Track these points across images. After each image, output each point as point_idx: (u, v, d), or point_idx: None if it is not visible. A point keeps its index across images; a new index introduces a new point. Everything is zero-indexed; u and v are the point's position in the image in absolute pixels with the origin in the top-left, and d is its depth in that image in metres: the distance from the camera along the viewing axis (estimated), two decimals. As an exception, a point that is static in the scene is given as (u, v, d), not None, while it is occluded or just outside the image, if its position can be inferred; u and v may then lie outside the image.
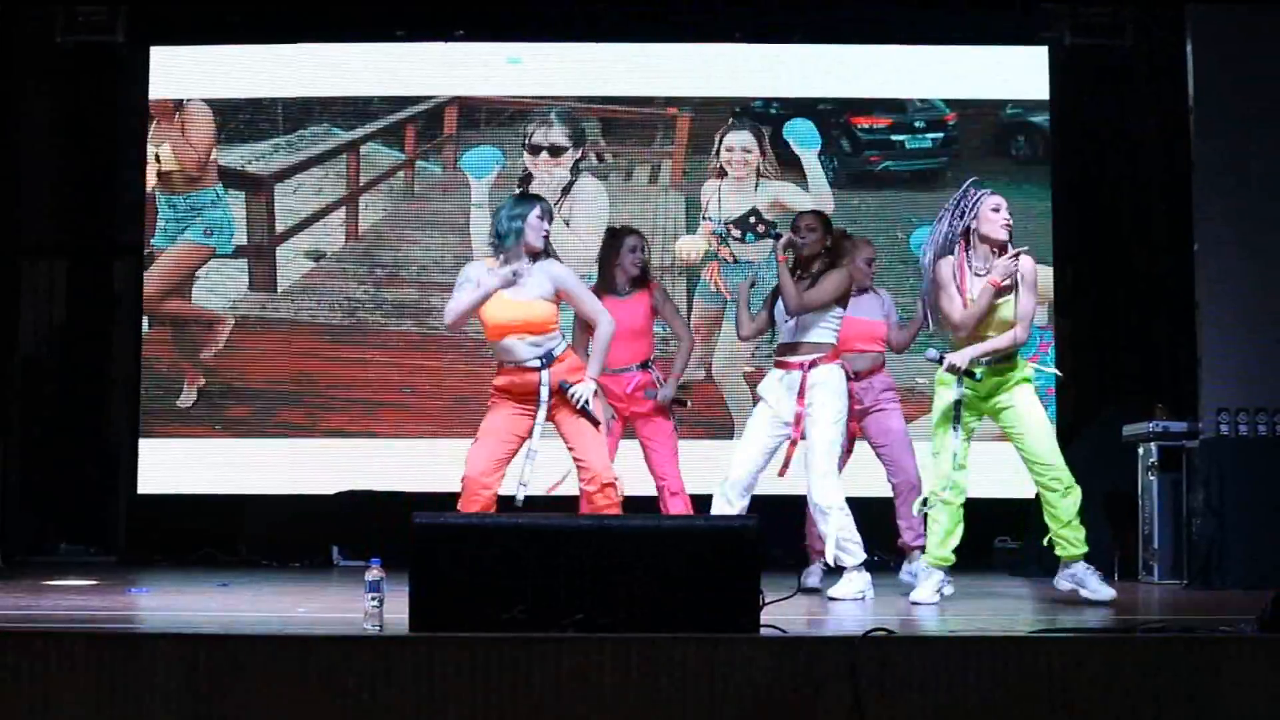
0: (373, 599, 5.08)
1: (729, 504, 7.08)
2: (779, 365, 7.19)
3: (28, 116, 10.30)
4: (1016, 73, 10.85)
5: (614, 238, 7.73)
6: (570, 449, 6.57)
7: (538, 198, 6.84)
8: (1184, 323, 8.92)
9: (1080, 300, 10.62)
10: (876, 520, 7.94)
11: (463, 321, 6.61)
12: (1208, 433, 8.47)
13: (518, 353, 6.46)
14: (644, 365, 7.66)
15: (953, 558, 7.01)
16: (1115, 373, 10.15)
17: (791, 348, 7.13)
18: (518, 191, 7.87)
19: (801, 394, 7.05)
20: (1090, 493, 9.15)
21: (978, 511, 9.74)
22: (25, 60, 10.30)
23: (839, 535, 7.02)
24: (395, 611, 4.93)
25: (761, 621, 4.76)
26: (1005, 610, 6.71)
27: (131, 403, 10.71)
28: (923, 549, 7.12)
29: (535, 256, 6.51)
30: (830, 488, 7.02)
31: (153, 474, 10.59)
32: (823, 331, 7.11)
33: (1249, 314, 8.59)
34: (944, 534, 6.96)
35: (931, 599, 6.84)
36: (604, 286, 7.56)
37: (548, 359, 6.46)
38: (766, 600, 4.83)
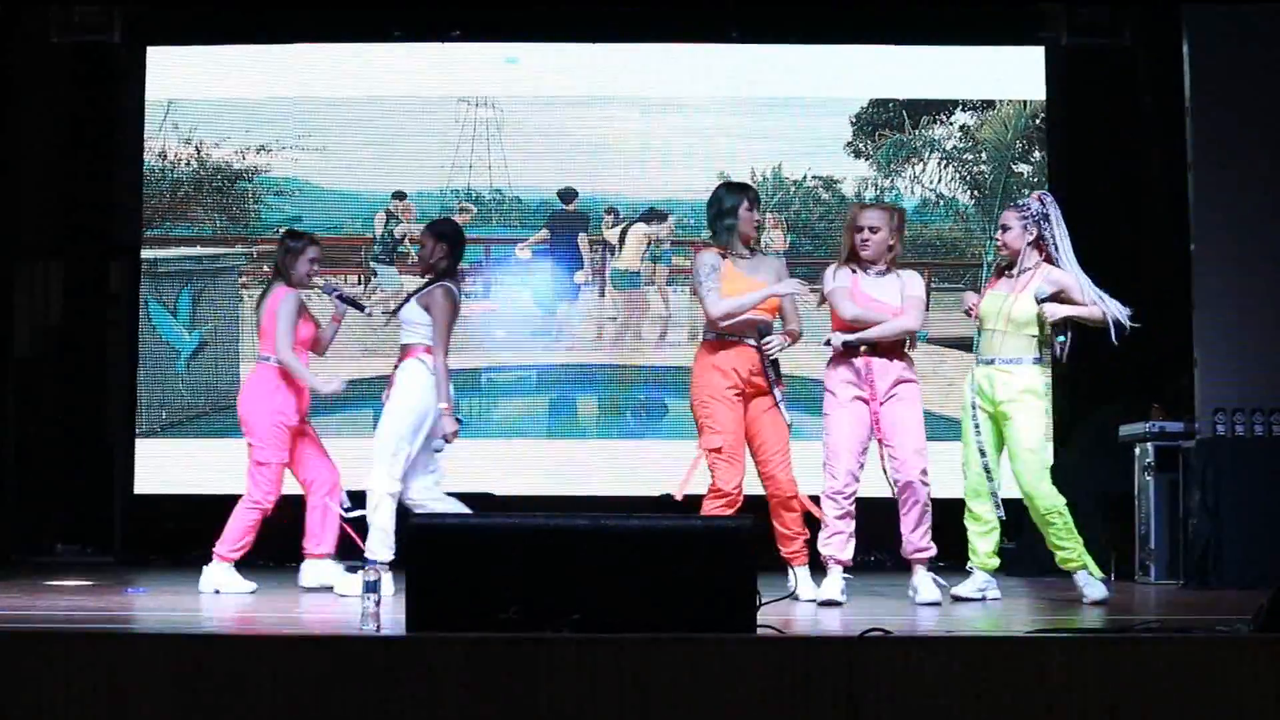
0: (370, 599, 5.08)
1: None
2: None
3: (23, 116, 10.29)
4: (1013, 73, 10.85)
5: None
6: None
7: (744, 187, 7.34)
8: (1181, 323, 8.92)
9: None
10: (875, 520, 7.87)
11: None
12: (1204, 433, 8.48)
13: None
14: None
15: (992, 562, 7.18)
16: (1111, 373, 10.13)
17: None
18: (726, 181, 7.85)
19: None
20: (1086, 493, 9.20)
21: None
22: (21, 60, 10.29)
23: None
24: (392, 612, 4.93)
25: (758, 622, 4.76)
26: (1001, 611, 6.71)
27: (128, 403, 10.70)
28: (925, 562, 7.08)
29: (751, 244, 7.20)
30: None
31: (149, 474, 10.58)
32: None
33: (1246, 314, 8.60)
34: (976, 539, 7.14)
35: (971, 596, 7.09)
36: None
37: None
38: (763, 601, 4.83)
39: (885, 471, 7.11)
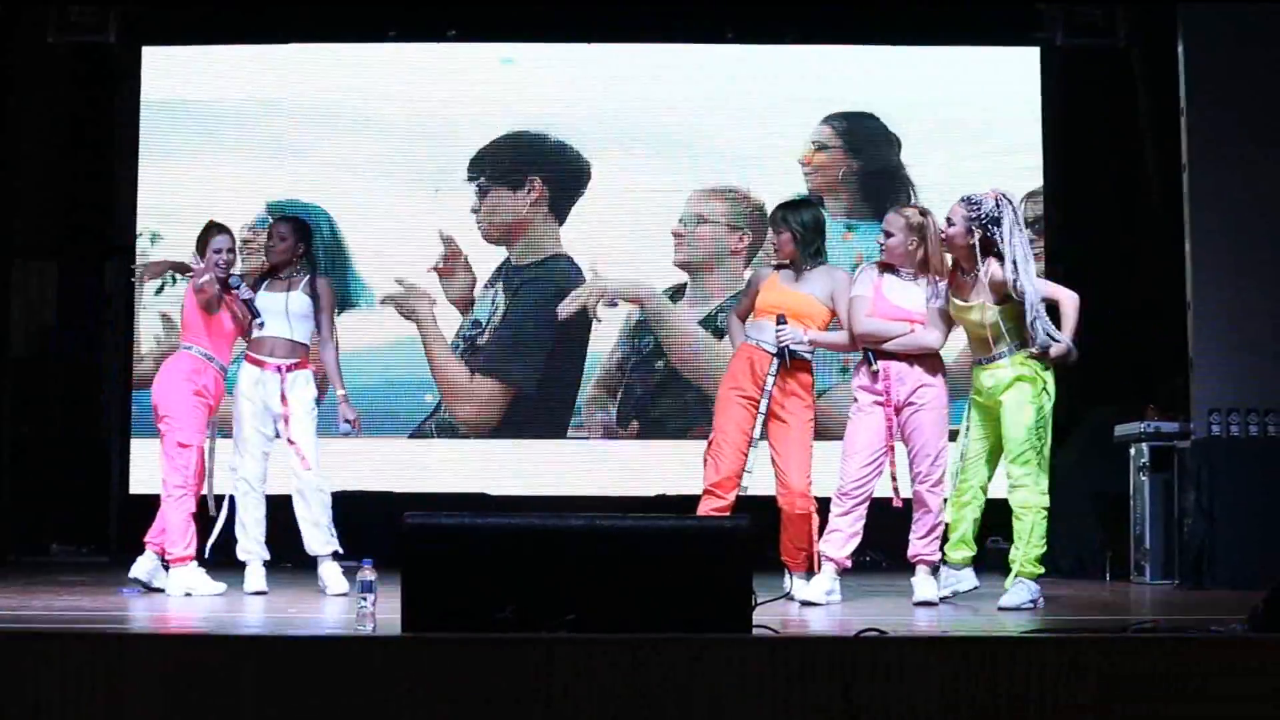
0: (365, 599, 5.08)
1: None
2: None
3: (19, 116, 10.28)
4: (1008, 73, 10.85)
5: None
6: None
7: (773, 212, 7.50)
8: (1176, 323, 8.92)
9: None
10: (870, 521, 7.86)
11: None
12: (1199, 433, 8.48)
13: None
14: None
15: (1031, 568, 6.81)
16: (1107, 373, 10.14)
17: None
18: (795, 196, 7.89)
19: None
20: (1081, 493, 9.22)
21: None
22: (17, 60, 10.28)
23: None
24: (387, 612, 4.93)
25: (753, 622, 4.76)
26: (997, 610, 6.71)
27: (123, 403, 10.70)
28: (933, 564, 7.05)
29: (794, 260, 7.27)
30: None
31: (145, 474, 10.56)
32: None
33: (1241, 314, 8.60)
34: (955, 536, 7.04)
35: (1014, 604, 6.75)
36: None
37: None
38: (758, 601, 4.83)
39: (893, 476, 7.09)
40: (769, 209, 8.25)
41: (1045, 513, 6.84)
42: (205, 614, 6.47)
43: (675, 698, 4.35)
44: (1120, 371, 10.02)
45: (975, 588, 7.06)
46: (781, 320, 7.11)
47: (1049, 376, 6.83)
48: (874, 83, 10.83)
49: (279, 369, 7.55)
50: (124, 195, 10.81)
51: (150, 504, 10.31)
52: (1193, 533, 8.32)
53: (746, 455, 7.15)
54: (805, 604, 6.88)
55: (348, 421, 7.65)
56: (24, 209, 10.56)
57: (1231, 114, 8.75)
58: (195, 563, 7.49)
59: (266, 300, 7.58)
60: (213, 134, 10.83)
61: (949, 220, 6.88)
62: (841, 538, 7.04)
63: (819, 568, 7.08)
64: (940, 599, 6.97)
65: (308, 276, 7.66)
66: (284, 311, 7.55)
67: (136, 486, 10.55)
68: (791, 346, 7.12)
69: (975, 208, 6.78)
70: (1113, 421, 9.30)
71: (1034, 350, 6.75)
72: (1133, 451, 9.01)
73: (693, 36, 10.80)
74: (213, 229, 7.72)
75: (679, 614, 4.64)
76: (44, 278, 10.86)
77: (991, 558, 9.74)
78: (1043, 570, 6.84)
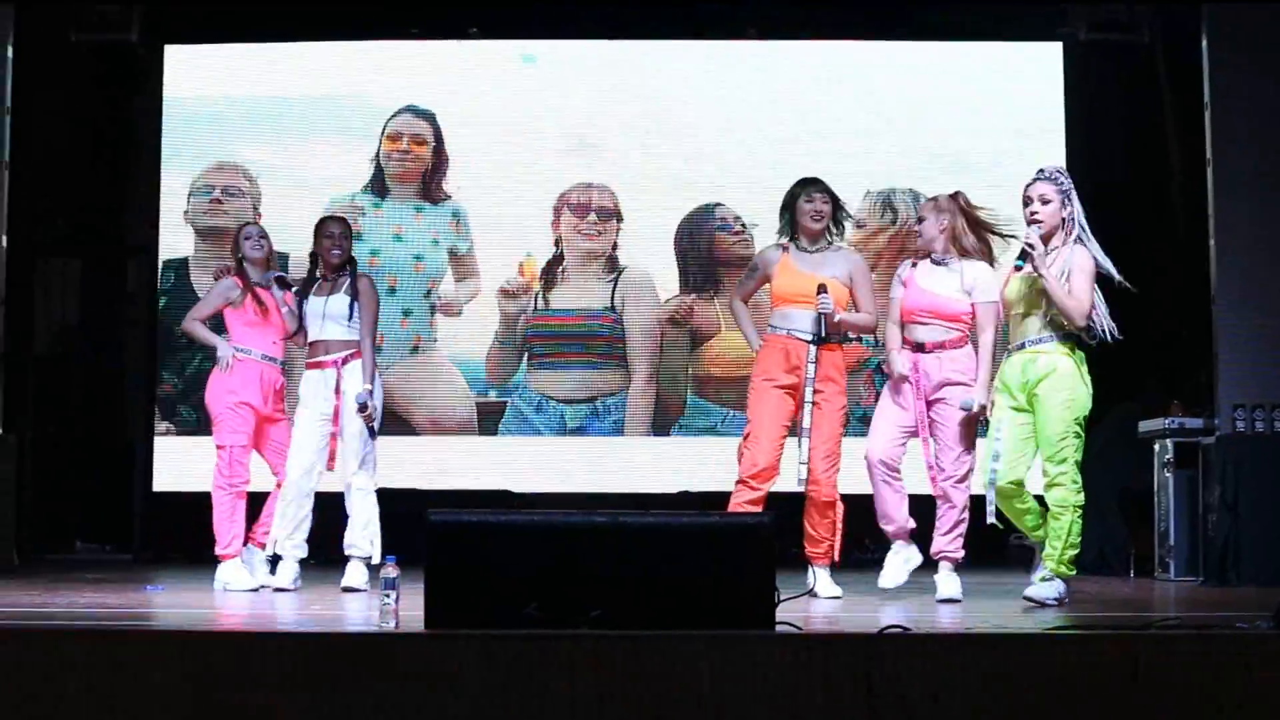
0: (388, 596, 5.08)
1: None
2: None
3: (42, 115, 10.31)
4: (1031, 69, 10.83)
5: None
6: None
7: (810, 180, 7.26)
8: (1200, 319, 8.89)
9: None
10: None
11: None
12: (1224, 429, 8.46)
13: None
14: None
15: (1065, 568, 6.65)
16: (1131, 369, 10.11)
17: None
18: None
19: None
20: (1106, 489, 9.19)
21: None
22: (40, 58, 10.31)
23: None
24: (411, 609, 4.93)
25: (777, 619, 4.76)
26: (1021, 607, 6.68)
27: (146, 400, 10.73)
28: (950, 562, 6.98)
29: (815, 238, 7.14)
30: None
31: (168, 472, 10.60)
32: None
33: (1266, 310, 8.58)
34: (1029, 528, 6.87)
35: (1039, 596, 6.60)
36: None
37: None
38: (782, 597, 4.83)
39: (929, 466, 6.97)
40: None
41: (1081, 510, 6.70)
42: (229, 610, 6.48)
43: (698, 695, 4.35)
44: (1145, 367, 9.99)
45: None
46: (823, 289, 7.02)
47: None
48: (898, 79, 10.80)
49: (335, 363, 7.59)
50: (146, 194, 10.83)
51: (173, 502, 10.41)
52: (1217, 529, 8.29)
53: (782, 447, 7.11)
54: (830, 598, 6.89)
55: (362, 412, 7.50)
56: (45, 207, 10.59)
57: (1255, 110, 8.73)
58: (238, 560, 7.60)
59: (311, 304, 7.65)
60: (234, 132, 10.86)
61: (1042, 199, 6.65)
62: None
63: (839, 560, 7.08)
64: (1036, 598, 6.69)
65: (349, 278, 7.67)
66: (325, 314, 7.60)
67: (160, 484, 10.58)
68: (838, 316, 7.04)
69: (1059, 181, 6.66)
70: (1137, 417, 9.28)
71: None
72: (1157, 447, 8.98)
73: (715, 34, 10.79)
74: (243, 228, 7.92)
75: (702, 610, 4.64)
76: (67, 276, 10.90)
77: (1013, 553, 9.77)
78: (1074, 571, 6.76)
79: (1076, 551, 6.69)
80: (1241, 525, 8.20)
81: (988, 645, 4.52)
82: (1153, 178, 10.40)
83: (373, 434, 7.54)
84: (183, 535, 10.20)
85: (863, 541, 8.85)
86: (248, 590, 7.42)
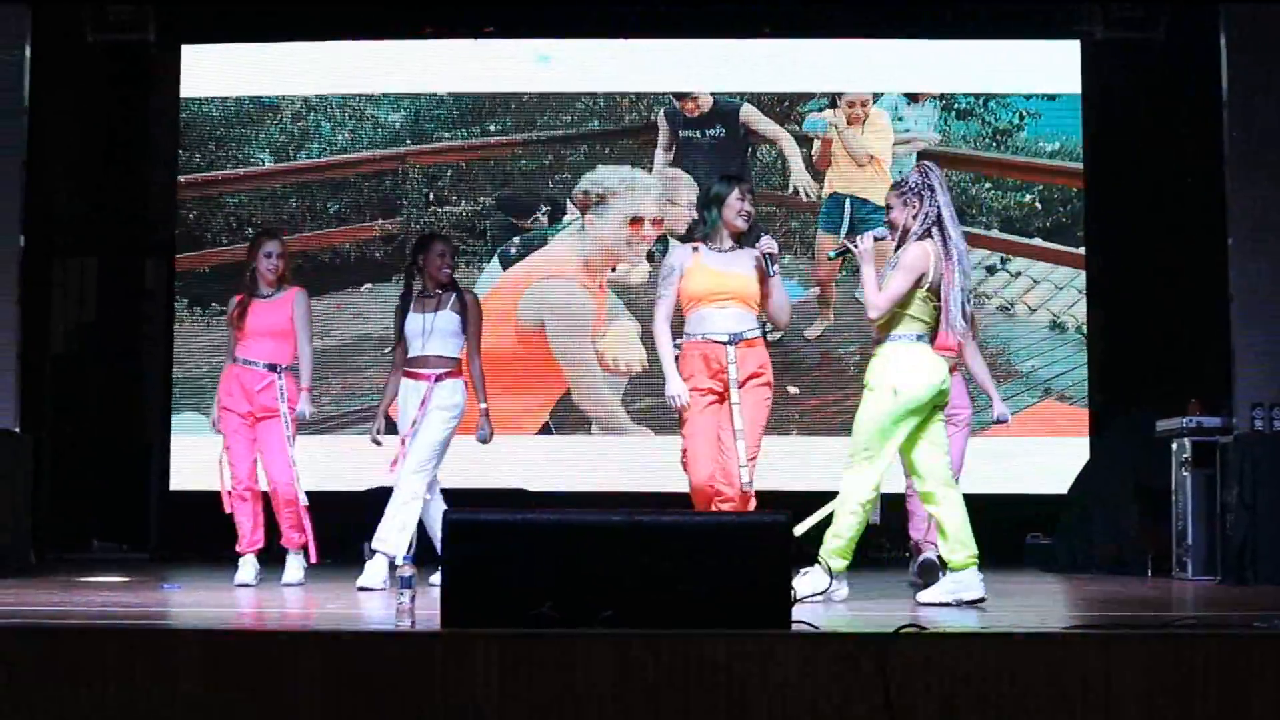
0: (404, 595, 5.08)
1: None
2: None
3: (59, 115, 10.33)
4: (1048, 66, 10.82)
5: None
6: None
7: (736, 177, 7.16)
8: (1218, 317, 8.87)
9: (1113, 295, 10.59)
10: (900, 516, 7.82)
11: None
12: (1242, 428, 8.43)
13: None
14: None
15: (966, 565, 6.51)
16: (1148, 367, 10.11)
17: None
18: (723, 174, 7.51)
19: None
20: (1123, 489, 9.17)
21: (1009, 508, 9.74)
22: (56, 58, 10.34)
23: None
24: (427, 608, 4.93)
25: (793, 618, 4.75)
26: (1037, 607, 6.67)
27: (163, 399, 10.75)
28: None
29: (738, 237, 6.91)
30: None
31: (185, 471, 10.62)
32: None
33: (1283, 308, 8.55)
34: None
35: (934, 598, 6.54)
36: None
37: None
38: (798, 596, 4.82)
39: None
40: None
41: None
42: (244, 609, 6.48)
43: (713, 694, 4.35)
44: (1162, 366, 9.98)
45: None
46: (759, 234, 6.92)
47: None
48: (914, 75, 10.81)
49: (430, 378, 7.67)
50: (162, 193, 10.86)
51: (190, 500, 10.43)
52: (1235, 528, 8.26)
53: (722, 452, 6.88)
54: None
55: (483, 437, 7.81)
56: (62, 206, 10.61)
57: (1273, 108, 8.70)
58: (251, 555, 7.83)
59: (414, 321, 7.69)
60: (250, 130, 10.88)
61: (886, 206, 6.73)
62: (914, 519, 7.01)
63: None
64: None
65: (455, 294, 7.71)
66: (430, 330, 7.65)
67: (177, 483, 10.62)
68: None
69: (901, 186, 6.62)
70: (1154, 416, 9.25)
71: None
72: (1174, 447, 8.96)
73: (730, 31, 10.79)
74: (263, 236, 7.97)
75: (718, 609, 4.63)
76: (84, 275, 10.92)
77: (1030, 552, 9.76)
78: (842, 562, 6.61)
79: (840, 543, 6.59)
80: (1259, 524, 8.17)
81: (1004, 644, 4.51)
82: (1169, 174, 10.37)
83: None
84: (199, 534, 10.24)
85: (879, 541, 8.85)
86: (245, 584, 7.66)
